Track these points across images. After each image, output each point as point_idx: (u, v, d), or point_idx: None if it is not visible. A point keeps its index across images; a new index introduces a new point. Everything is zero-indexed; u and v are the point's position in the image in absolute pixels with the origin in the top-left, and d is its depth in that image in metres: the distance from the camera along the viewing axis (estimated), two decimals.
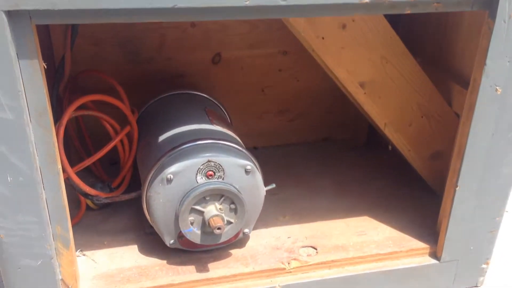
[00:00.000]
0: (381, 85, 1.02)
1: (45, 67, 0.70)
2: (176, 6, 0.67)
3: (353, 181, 1.24)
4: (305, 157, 1.35)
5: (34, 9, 0.62)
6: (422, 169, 1.15)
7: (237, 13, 0.70)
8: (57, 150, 0.75)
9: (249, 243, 1.02)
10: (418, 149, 1.12)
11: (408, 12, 0.76)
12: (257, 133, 1.34)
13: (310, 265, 0.97)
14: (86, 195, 0.95)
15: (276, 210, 1.12)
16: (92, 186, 1.00)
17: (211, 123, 1.00)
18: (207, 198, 0.90)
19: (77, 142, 1.13)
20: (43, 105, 0.70)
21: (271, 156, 1.34)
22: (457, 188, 0.93)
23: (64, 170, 0.91)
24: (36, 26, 0.66)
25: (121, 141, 1.02)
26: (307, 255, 0.99)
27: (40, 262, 0.79)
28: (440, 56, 1.11)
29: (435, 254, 1.02)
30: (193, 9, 0.68)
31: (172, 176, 0.88)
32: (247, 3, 0.68)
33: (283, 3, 0.70)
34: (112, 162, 1.19)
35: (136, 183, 1.06)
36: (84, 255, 0.96)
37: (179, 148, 0.90)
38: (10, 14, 0.63)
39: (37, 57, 0.67)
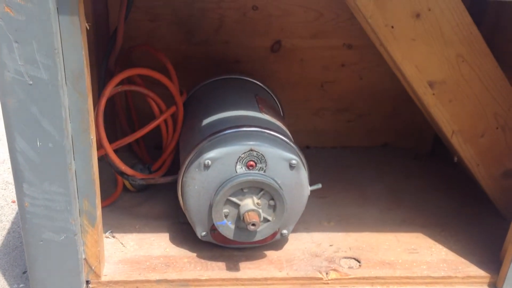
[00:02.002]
0: (453, 87, 0.91)
1: (87, 27, 0.66)
2: None
3: (411, 192, 1.14)
4: (361, 162, 1.25)
5: None
6: (491, 188, 1.02)
7: None
8: (92, 119, 0.71)
9: (286, 246, 0.95)
10: (488, 165, 1.00)
11: None
12: (311, 131, 1.26)
13: (351, 278, 0.88)
14: (122, 173, 0.91)
15: (321, 214, 1.04)
16: (132, 166, 0.97)
17: (260, 111, 0.93)
18: (245, 191, 0.83)
19: (123, 119, 1.10)
20: (80, 68, 0.65)
21: (324, 157, 1.26)
22: None
23: (102, 146, 0.87)
24: None
25: (165, 122, 0.97)
26: (348, 267, 0.91)
27: (63, 237, 0.75)
28: None
29: (495, 285, 0.91)
30: None
31: (210, 162, 0.82)
32: None
33: None
34: (158, 146, 1.15)
35: (177, 169, 1.01)
36: (113, 237, 0.92)
37: (221, 133, 0.84)
38: None
39: (78, 14, 0.62)
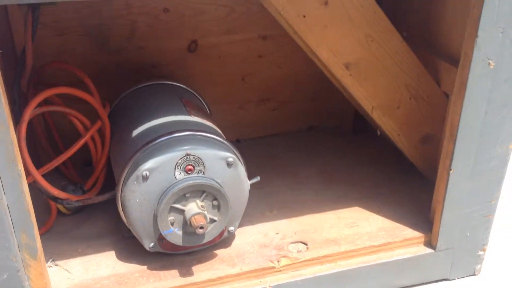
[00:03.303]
0: (367, 66, 0.96)
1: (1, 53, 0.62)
2: None
3: (341, 170, 1.19)
4: (290, 147, 1.29)
5: None
6: (412, 154, 1.10)
7: None
8: (17, 149, 0.67)
9: (234, 242, 0.96)
10: (408, 133, 1.06)
11: None
12: (238, 124, 1.28)
13: (301, 262, 0.92)
14: (55, 198, 0.87)
15: (262, 205, 1.06)
16: (63, 189, 0.93)
17: (189, 114, 0.93)
18: (187, 195, 0.83)
19: (45, 142, 1.05)
20: None
21: (254, 148, 1.28)
22: (451, 172, 0.89)
23: (29, 173, 0.83)
24: None
25: (93, 138, 0.94)
26: (297, 252, 0.94)
27: (5, 275, 0.71)
28: (426, 32, 1.05)
29: (430, 243, 0.98)
30: None
31: (148, 173, 0.81)
32: None
33: None
34: (86, 163, 1.11)
35: (111, 184, 0.98)
36: (56, 265, 0.88)
37: (155, 142, 0.83)
38: None
39: None
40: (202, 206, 0.83)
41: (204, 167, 0.83)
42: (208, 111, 1.10)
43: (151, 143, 0.83)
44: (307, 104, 1.32)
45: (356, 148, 1.28)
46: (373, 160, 1.23)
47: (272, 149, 1.28)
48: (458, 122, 0.85)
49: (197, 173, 0.83)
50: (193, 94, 1.08)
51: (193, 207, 0.83)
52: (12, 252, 0.70)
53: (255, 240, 0.96)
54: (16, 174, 0.67)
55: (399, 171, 1.17)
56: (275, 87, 1.27)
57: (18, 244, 0.72)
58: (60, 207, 0.98)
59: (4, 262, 0.70)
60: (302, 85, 1.28)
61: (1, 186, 0.67)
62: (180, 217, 0.84)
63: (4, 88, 0.64)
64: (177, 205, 0.83)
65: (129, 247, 0.93)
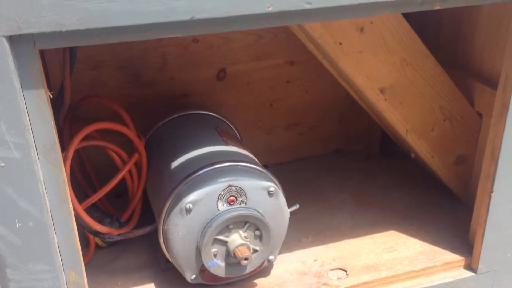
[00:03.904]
0: (402, 90, 0.96)
1: (51, 96, 0.63)
2: (194, 18, 0.60)
3: (373, 193, 1.18)
4: (319, 171, 1.28)
5: (39, 32, 0.55)
6: (446, 176, 1.09)
7: (260, 21, 0.64)
8: (67, 187, 0.68)
9: (273, 271, 0.95)
10: (442, 155, 1.06)
11: (438, 7, 0.71)
12: (267, 149, 1.27)
13: None
14: (97, 233, 0.87)
15: (297, 231, 1.05)
16: (99, 221, 0.92)
17: (226, 143, 0.93)
18: (231, 227, 0.82)
19: (80, 176, 1.05)
20: (51, 140, 0.62)
21: (284, 173, 1.27)
22: (493, 194, 0.88)
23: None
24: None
25: (129, 170, 0.94)
26: (337, 279, 0.93)
27: None
28: (457, 55, 1.06)
29: (470, 266, 0.97)
30: (211, 20, 0.62)
31: (191, 206, 0.80)
32: (270, 9, 0.62)
33: (308, 6, 0.64)
34: (117, 194, 1.11)
35: (145, 216, 0.98)
36: None
37: (196, 174, 0.83)
38: (12, 39, 0.55)
39: (43, 86, 0.59)
40: (245, 237, 0.83)
41: (246, 197, 0.83)
42: (240, 138, 1.10)
43: (193, 175, 0.83)
44: (334, 127, 1.32)
45: (385, 170, 1.28)
46: (403, 182, 1.22)
47: (301, 174, 1.27)
48: (500, 144, 0.84)
49: (240, 204, 0.83)
50: (225, 122, 1.08)
51: (236, 238, 0.82)
52: None
53: (294, 268, 0.96)
54: (67, 213, 0.67)
55: (431, 194, 1.16)
56: (302, 112, 1.27)
57: (67, 282, 0.71)
58: (97, 240, 0.98)
59: None
60: (328, 109, 1.29)
61: (52, 225, 0.67)
62: (222, 249, 0.83)
63: (56, 130, 0.64)
64: (220, 237, 0.82)
65: (169, 279, 0.92)
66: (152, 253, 0.98)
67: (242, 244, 0.82)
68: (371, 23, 0.88)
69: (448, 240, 1.01)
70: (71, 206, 0.68)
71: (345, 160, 1.33)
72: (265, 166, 1.29)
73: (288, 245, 1.00)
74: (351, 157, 1.34)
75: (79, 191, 1.08)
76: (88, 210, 0.90)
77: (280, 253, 0.96)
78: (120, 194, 1.10)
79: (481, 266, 0.94)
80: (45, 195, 0.64)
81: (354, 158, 1.34)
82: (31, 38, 0.56)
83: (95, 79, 1.06)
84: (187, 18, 0.60)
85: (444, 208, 1.11)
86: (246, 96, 1.20)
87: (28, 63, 0.57)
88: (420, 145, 1.04)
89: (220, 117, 1.08)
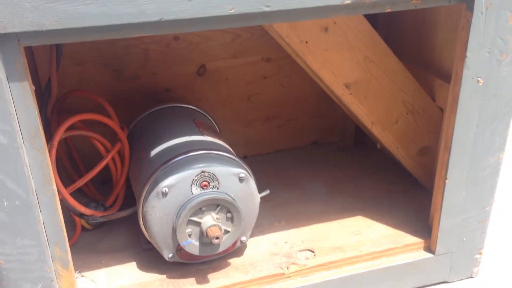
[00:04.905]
0: (366, 85, 1.04)
1: (34, 88, 0.70)
2: (162, 19, 0.67)
3: (345, 182, 1.26)
4: (295, 162, 1.36)
5: (22, 31, 0.62)
6: (411, 166, 1.17)
7: (223, 22, 0.71)
8: (51, 171, 0.75)
9: (247, 251, 1.02)
10: (406, 146, 1.14)
11: (389, 10, 0.78)
12: (246, 141, 1.35)
13: (309, 268, 0.98)
14: (81, 215, 0.95)
15: (271, 216, 1.13)
16: (85, 206, 1.00)
17: (202, 134, 1.00)
18: (203, 209, 0.90)
19: (67, 163, 1.12)
20: (35, 127, 0.70)
21: (262, 164, 1.35)
22: (447, 180, 0.95)
23: (58, 192, 0.90)
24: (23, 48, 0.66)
25: (113, 158, 1.01)
26: (305, 259, 1.00)
27: (40, 285, 0.78)
28: (420, 53, 1.13)
29: (429, 248, 1.03)
30: (179, 21, 0.69)
31: (167, 190, 0.88)
32: (232, 11, 0.70)
33: (267, 9, 0.71)
34: (103, 181, 1.18)
35: (129, 200, 1.06)
36: (82, 276, 0.95)
37: (172, 161, 0.91)
38: None
39: (27, 79, 0.67)
40: (217, 218, 0.90)
41: (218, 182, 0.91)
42: (218, 129, 1.17)
43: (169, 162, 0.91)
44: (310, 120, 1.39)
45: (358, 161, 1.35)
46: (374, 172, 1.29)
47: (279, 164, 1.35)
48: (452, 134, 0.90)
49: (212, 188, 0.90)
50: (204, 115, 1.15)
51: (209, 220, 0.90)
52: (47, 264, 0.77)
53: (266, 249, 1.03)
54: (51, 194, 0.75)
55: (399, 182, 1.23)
56: (279, 106, 1.34)
57: (52, 257, 0.79)
58: (84, 222, 1.05)
59: (39, 273, 0.77)
60: (304, 103, 1.36)
61: (38, 205, 0.74)
62: (196, 229, 0.91)
63: (40, 119, 0.71)
64: (194, 218, 0.90)
65: (149, 258, 1.00)
66: (134, 235, 1.06)
67: (214, 225, 0.89)
68: (335, 23, 0.95)
69: (410, 224, 1.09)
70: (55, 187, 0.76)
71: (320, 152, 1.41)
72: (244, 157, 1.38)
73: (261, 228, 1.08)
74: (327, 149, 1.42)
75: (67, 178, 1.15)
76: (75, 196, 0.97)
77: (253, 236, 1.04)
78: (107, 181, 1.17)
79: (438, 248, 1.01)
80: (31, 177, 0.72)
81: (329, 150, 1.41)
82: (16, 36, 0.64)
83: (81, 74, 1.14)
84: (156, 19, 0.67)
85: (409, 195, 1.18)
86: (225, 91, 1.27)
87: (13, 58, 0.65)
88: (385, 136, 1.11)
89: (199, 110, 1.15)
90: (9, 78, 0.66)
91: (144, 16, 0.66)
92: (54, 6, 0.62)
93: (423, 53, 1.12)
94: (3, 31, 0.62)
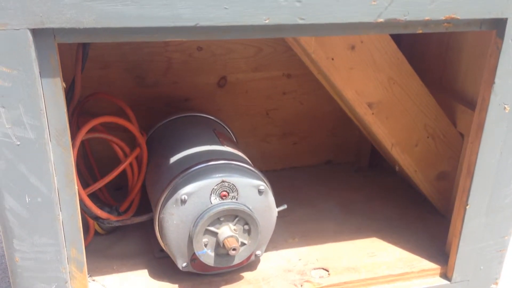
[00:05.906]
0: (388, 106, 1.03)
1: (64, 86, 0.70)
2: (198, 25, 0.67)
3: (359, 202, 1.25)
4: (310, 180, 1.35)
5: (60, 28, 0.62)
6: (428, 190, 1.16)
7: (257, 32, 0.72)
8: (74, 170, 0.74)
9: (260, 266, 1.01)
10: (424, 170, 1.13)
11: (420, 31, 0.78)
12: (261, 156, 1.34)
13: (323, 287, 0.96)
14: (96, 218, 0.94)
15: (284, 232, 1.11)
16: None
17: (222, 144, 1.00)
18: (221, 219, 0.89)
19: (83, 166, 1.12)
20: (63, 125, 0.69)
21: (276, 179, 1.32)
22: (468, 207, 0.94)
23: None
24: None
25: (130, 164, 1.01)
26: (319, 277, 0.99)
27: (54, 286, 0.77)
28: (442, 77, 1.13)
29: (445, 275, 1.02)
30: (214, 28, 0.69)
31: (186, 197, 0.87)
32: (266, 21, 0.70)
33: (302, 22, 0.71)
34: (117, 187, 1.18)
35: (142, 207, 1.05)
36: (93, 280, 0.94)
37: (192, 169, 0.90)
38: (35, 32, 0.63)
39: (59, 76, 0.67)
40: (234, 229, 0.89)
41: (237, 193, 0.90)
42: (236, 142, 1.17)
43: (189, 170, 0.90)
44: (326, 139, 1.39)
45: (372, 182, 1.34)
46: (389, 194, 1.28)
47: (293, 181, 1.34)
48: (476, 160, 0.90)
49: (231, 199, 0.89)
50: (223, 125, 1.15)
51: (226, 230, 0.89)
52: (62, 264, 0.76)
53: (279, 265, 1.02)
54: (73, 193, 0.74)
55: (414, 206, 1.22)
56: (296, 122, 1.34)
57: (68, 257, 0.78)
58: (96, 227, 1.04)
59: (54, 273, 0.76)
60: (321, 121, 1.36)
61: (58, 203, 0.73)
62: (213, 239, 0.90)
63: (68, 118, 0.71)
64: (212, 228, 0.89)
65: (161, 266, 0.98)
66: (146, 243, 1.05)
67: (231, 236, 0.88)
68: (362, 42, 0.96)
69: (426, 249, 1.07)
70: (76, 187, 0.75)
71: (335, 171, 1.40)
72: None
73: (275, 244, 1.07)
74: (341, 168, 1.41)
75: (82, 181, 1.14)
76: (90, 199, 0.97)
77: (267, 251, 1.03)
78: (120, 187, 1.17)
79: (455, 275, 1.00)
80: (54, 175, 0.71)
81: (343, 170, 1.40)
82: (52, 32, 0.64)
83: (103, 77, 1.14)
84: (192, 25, 0.67)
85: (426, 220, 1.17)
86: (244, 103, 1.27)
87: (47, 54, 0.65)
88: (404, 159, 1.11)
89: (218, 121, 1.15)
90: (42, 74, 0.66)
91: (180, 21, 0.66)
92: (93, 5, 0.63)
93: (446, 77, 1.12)
94: (41, 26, 0.62)
